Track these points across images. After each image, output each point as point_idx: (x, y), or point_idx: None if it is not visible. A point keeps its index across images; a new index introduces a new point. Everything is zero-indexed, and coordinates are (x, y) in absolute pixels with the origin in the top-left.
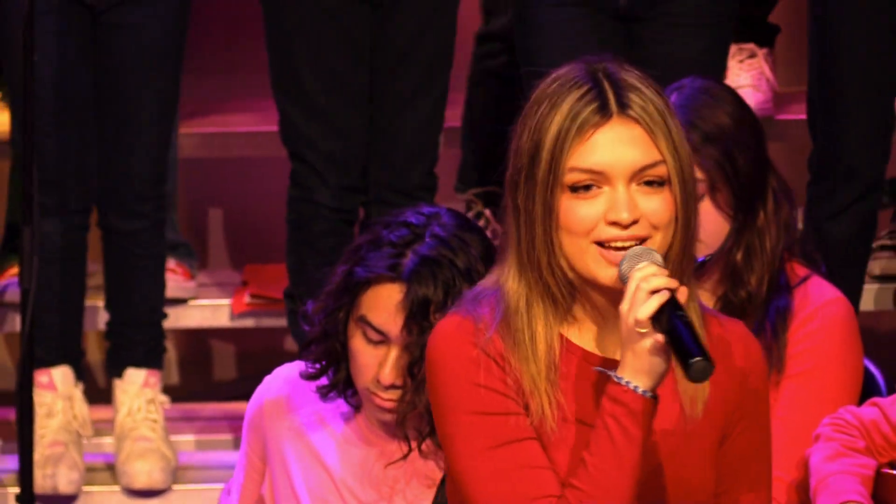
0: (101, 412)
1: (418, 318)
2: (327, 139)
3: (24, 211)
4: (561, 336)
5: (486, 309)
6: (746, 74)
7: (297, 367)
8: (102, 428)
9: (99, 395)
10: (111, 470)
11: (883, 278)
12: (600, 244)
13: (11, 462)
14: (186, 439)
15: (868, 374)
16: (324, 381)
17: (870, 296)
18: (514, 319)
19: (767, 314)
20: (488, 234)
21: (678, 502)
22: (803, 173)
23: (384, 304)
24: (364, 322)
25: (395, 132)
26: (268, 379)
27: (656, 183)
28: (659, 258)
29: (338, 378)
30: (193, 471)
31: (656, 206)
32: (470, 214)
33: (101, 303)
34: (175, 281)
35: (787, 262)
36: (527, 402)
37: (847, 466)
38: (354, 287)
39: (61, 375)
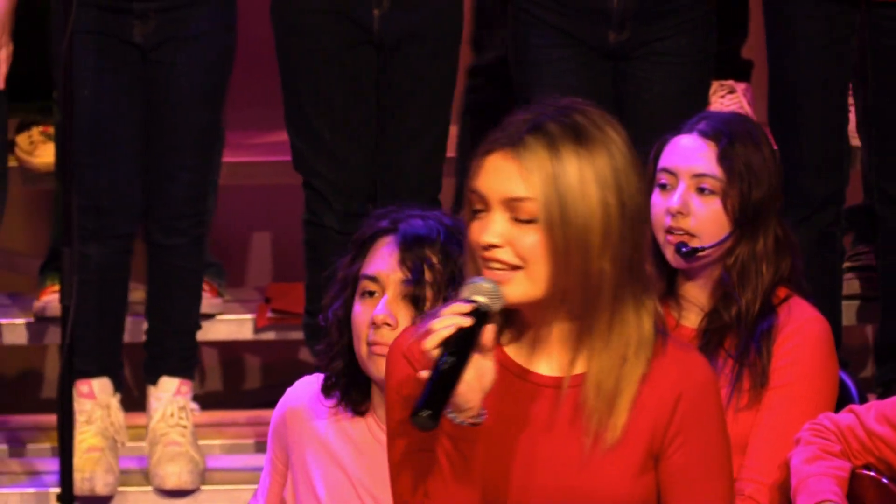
0: (137, 419)
1: (412, 253)
2: (332, 170)
3: (63, 233)
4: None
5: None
6: (727, 110)
7: (316, 378)
8: (136, 434)
9: (135, 403)
10: (144, 472)
11: (848, 297)
12: (484, 261)
13: (53, 465)
14: (214, 444)
15: (843, 385)
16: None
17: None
18: None
19: (753, 335)
20: None
21: None
22: None
23: (378, 252)
24: (361, 279)
25: (401, 165)
26: (289, 390)
27: (526, 221)
28: (490, 288)
29: (335, 366)
30: (220, 473)
31: (526, 240)
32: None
33: (141, 318)
34: (204, 298)
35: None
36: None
37: (824, 468)
38: (355, 255)
39: (100, 386)
